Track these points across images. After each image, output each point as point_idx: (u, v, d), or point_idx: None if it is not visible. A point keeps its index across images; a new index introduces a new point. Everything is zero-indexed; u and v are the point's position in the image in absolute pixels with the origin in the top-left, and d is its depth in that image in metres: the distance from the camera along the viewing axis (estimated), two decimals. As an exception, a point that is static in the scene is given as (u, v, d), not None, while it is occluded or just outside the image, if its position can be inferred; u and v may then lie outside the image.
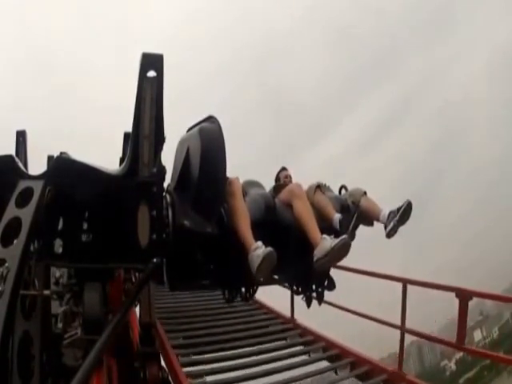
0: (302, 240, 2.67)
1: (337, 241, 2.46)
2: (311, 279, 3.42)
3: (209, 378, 3.83)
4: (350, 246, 2.50)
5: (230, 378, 3.87)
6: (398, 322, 4.10)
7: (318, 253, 2.53)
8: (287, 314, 5.55)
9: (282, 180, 3.61)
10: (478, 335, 41.05)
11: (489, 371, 34.14)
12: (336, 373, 4.13)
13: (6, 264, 1.29)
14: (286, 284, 4.24)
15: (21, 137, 3.02)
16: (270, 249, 2.31)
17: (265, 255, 2.29)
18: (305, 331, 5.08)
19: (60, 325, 2.11)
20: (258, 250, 2.34)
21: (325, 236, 2.58)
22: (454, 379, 38.06)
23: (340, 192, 3.63)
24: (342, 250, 2.49)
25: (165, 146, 1.86)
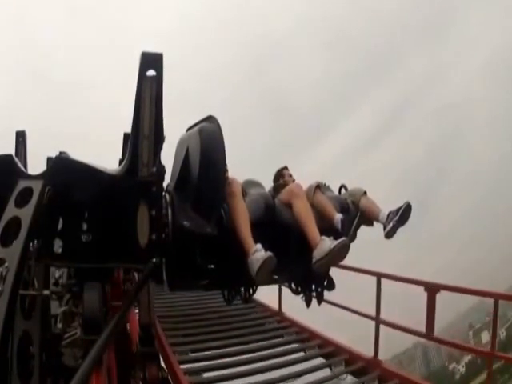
0: (302, 240, 2.66)
1: (336, 242, 2.46)
2: (311, 279, 3.42)
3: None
4: (348, 247, 2.50)
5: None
6: (396, 321, 4.24)
7: (316, 254, 2.52)
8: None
9: (286, 178, 3.60)
10: (485, 337, 40.17)
11: (501, 374, 32.90)
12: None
13: (6, 264, 1.29)
14: (286, 284, 4.24)
15: (20, 137, 3.02)
16: (269, 253, 2.30)
17: (264, 260, 2.28)
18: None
19: (59, 325, 2.11)
20: (258, 254, 2.33)
21: (324, 237, 2.57)
22: (465, 383, 36.86)
23: (340, 191, 3.63)
24: (341, 252, 2.49)
25: (164, 146, 1.86)
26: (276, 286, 5.44)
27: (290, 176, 3.61)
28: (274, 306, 5.98)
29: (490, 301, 3.45)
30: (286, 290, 4.52)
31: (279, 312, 5.89)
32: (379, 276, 4.30)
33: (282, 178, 3.62)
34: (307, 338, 4.98)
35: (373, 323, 4.36)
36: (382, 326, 4.39)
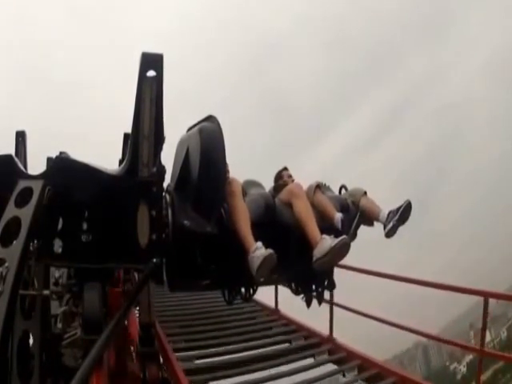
0: (302, 240, 2.66)
1: (336, 241, 2.46)
2: (311, 279, 3.42)
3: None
4: (349, 246, 2.50)
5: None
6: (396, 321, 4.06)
7: (317, 253, 2.52)
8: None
9: (284, 178, 3.60)
10: (486, 336, 39.50)
11: (503, 374, 32.69)
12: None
13: (6, 264, 1.29)
14: (286, 284, 4.23)
15: (20, 137, 3.02)
16: (269, 250, 2.30)
17: (265, 257, 2.28)
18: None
19: (60, 325, 2.11)
20: (258, 252, 2.33)
21: (324, 236, 2.57)
22: (467, 383, 36.01)
23: (340, 192, 3.63)
24: (342, 250, 2.49)
25: (164, 146, 1.86)
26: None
27: (289, 177, 3.62)
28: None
29: (492, 301, 3.29)
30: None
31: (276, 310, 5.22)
32: (487, 296, 3.36)
33: (281, 179, 3.62)
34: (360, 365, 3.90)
35: (374, 323, 4.30)
36: (373, 323, 4.21)
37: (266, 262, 2.28)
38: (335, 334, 4.47)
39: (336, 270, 3.37)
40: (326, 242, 2.49)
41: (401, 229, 3.07)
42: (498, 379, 32.92)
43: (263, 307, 5.53)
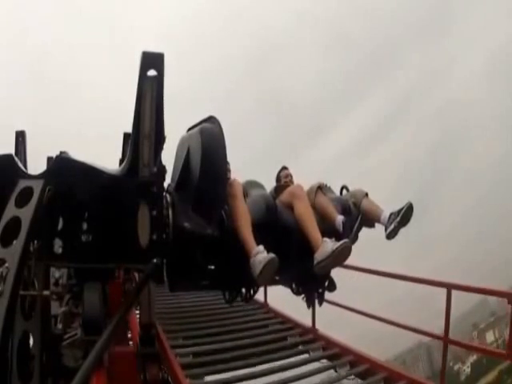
0: (303, 242, 2.65)
1: (338, 244, 2.44)
2: (312, 280, 3.41)
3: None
4: (350, 249, 2.49)
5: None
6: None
7: (318, 256, 2.51)
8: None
9: (283, 180, 3.60)
10: (490, 337, 39.89)
11: (508, 375, 31.85)
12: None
13: (6, 264, 1.29)
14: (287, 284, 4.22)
15: (20, 137, 3.02)
16: (271, 255, 2.29)
17: (267, 262, 2.27)
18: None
19: (60, 325, 2.11)
20: (260, 256, 2.32)
21: (326, 239, 2.56)
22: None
23: (341, 193, 3.62)
24: (343, 254, 2.47)
25: (165, 146, 1.85)
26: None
27: (286, 177, 3.61)
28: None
29: (491, 300, 3.30)
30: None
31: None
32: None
33: (281, 179, 3.63)
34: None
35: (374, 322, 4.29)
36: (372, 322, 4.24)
37: (268, 266, 2.27)
38: (334, 334, 4.52)
39: (336, 270, 3.36)
40: (328, 246, 2.48)
41: (401, 229, 3.06)
42: (503, 379, 32.27)
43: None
